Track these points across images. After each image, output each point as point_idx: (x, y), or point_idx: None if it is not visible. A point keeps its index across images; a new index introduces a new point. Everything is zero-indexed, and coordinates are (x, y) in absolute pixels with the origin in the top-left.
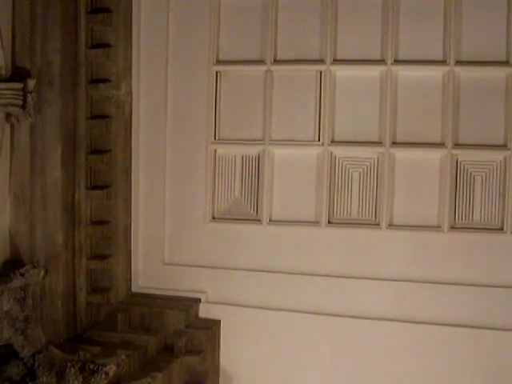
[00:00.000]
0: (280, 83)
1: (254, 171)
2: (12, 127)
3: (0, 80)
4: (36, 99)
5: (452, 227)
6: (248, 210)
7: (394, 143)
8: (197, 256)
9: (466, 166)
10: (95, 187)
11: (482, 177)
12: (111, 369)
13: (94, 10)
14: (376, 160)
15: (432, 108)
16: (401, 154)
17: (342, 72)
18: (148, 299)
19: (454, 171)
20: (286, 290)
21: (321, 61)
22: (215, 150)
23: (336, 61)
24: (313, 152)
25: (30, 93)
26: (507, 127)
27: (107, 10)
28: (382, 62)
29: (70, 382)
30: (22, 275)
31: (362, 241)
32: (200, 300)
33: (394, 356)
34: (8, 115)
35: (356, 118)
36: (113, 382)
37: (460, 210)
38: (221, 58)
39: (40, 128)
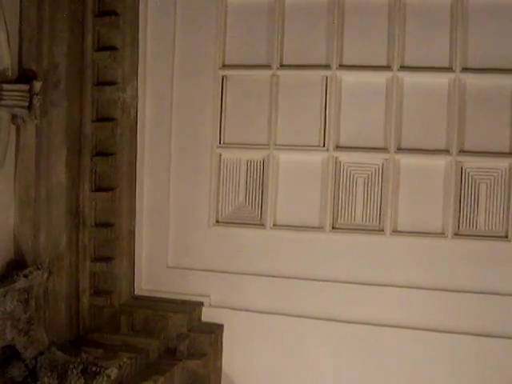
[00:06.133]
0: (286, 88)
1: (259, 176)
2: (18, 129)
3: (6, 81)
4: (42, 101)
5: (456, 234)
6: (252, 215)
7: (399, 149)
8: (200, 260)
9: (471, 173)
10: (100, 190)
11: (487, 184)
12: (113, 371)
13: (101, 13)
14: (381, 166)
15: (437, 114)
16: (406, 160)
17: (347, 77)
18: (151, 302)
19: (459, 178)
20: (289, 295)
21: (327, 66)
22: (220, 155)
23: (342, 66)
24: (318, 157)
25: (36, 94)
26: None
27: (114, 14)
28: (388, 68)
29: (72, 383)
30: (26, 276)
31: (365, 246)
32: (203, 304)
33: (397, 362)
34: (14, 116)
35: (361, 123)
36: None
37: (464, 218)
38: (227, 62)
39: (45, 130)
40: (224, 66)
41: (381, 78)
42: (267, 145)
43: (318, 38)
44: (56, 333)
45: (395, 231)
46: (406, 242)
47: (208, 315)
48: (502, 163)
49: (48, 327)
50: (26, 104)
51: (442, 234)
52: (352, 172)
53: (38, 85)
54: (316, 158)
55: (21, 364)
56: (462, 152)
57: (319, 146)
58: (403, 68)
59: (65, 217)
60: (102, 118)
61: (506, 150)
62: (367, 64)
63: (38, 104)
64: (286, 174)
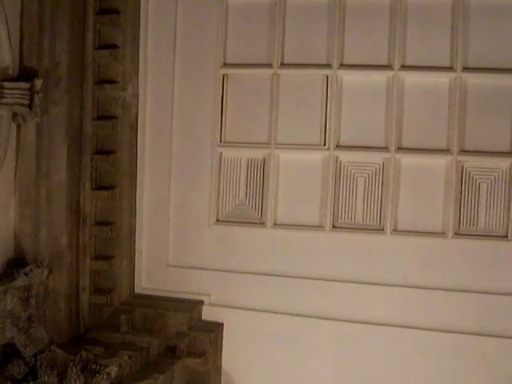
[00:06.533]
0: (286, 87)
1: (259, 174)
2: (18, 127)
3: (7, 79)
4: (43, 99)
5: (456, 234)
6: (252, 213)
7: (400, 148)
8: (200, 258)
9: (472, 173)
10: (100, 188)
11: (488, 184)
12: (113, 369)
13: (102, 11)
14: (381, 165)
15: (438, 114)
16: (406, 159)
17: (348, 77)
18: (151, 301)
19: (460, 178)
20: (290, 294)
21: (327, 65)
22: (221, 153)
23: (343, 65)
24: (318, 156)
25: (37, 93)
26: None
27: (115, 12)
28: (388, 67)
29: (72, 382)
30: (26, 274)
31: (366, 246)
32: (203, 302)
33: (397, 362)
34: (14, 115)
35: (362, 122)
36: (114, 383)
37: (465, 217)
38: (228, 60)
39: (46, 128)
40: (225, 65)
41: (382, 77)
42: (268, 143)
43: (318, 37)
44: (56, 331)
45: (395, 230)
46: (407, 241)
47: (208, 314)
48: (503, 163)
49: (48, 325)
50: (27, 102)
51: (442, 234)
52: (352, 171)
53: (38, 83)
54: (316, 156)
55: (21, 362)
56: (463, 151)
57: (320, 144)
58: (404, 67)
59: (65, 215)
60: (103, 117)
61: (507, 149)
62: (368, 63)
63: (38, 102)
64: (286, 173)
